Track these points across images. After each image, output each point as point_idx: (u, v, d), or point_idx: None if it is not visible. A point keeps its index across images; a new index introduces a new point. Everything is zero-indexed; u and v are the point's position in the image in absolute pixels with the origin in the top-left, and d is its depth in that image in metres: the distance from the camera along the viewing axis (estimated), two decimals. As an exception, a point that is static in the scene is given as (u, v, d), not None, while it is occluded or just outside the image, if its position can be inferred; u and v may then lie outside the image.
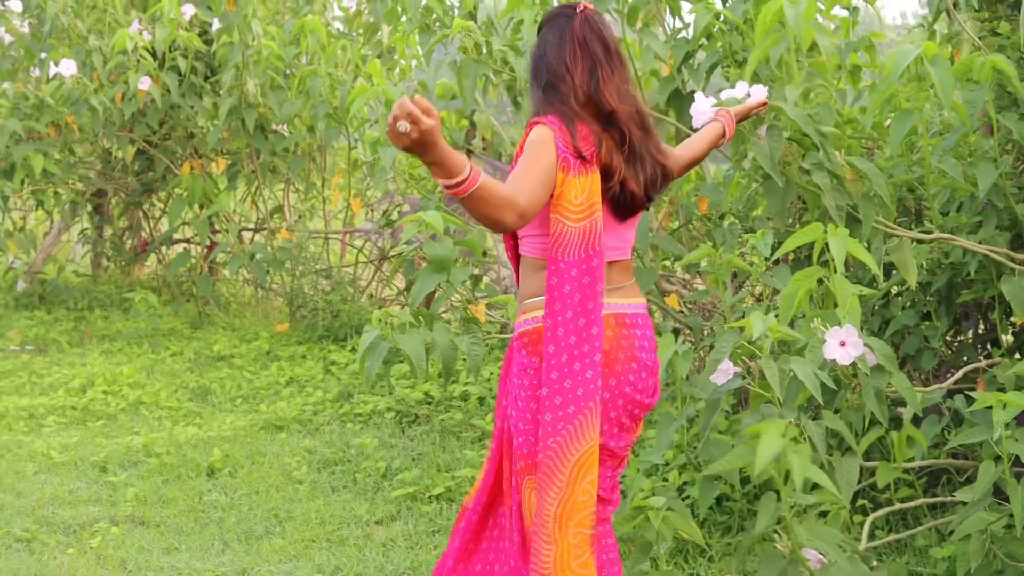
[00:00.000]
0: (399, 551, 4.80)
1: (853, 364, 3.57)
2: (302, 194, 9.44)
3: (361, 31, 8.64)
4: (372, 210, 8.81)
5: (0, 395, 7.07)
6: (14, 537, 4.92)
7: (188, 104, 8.52)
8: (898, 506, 4.15)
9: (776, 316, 3.52)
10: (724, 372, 3.52)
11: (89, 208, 10.40)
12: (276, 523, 5.12)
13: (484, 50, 5.23)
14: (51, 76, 8.08)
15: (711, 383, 3.56)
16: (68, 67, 7.97)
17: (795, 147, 4.01)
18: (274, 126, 8.77)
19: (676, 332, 5.42)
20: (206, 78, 8.74)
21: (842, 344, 3.50)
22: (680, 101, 5.16)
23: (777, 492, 3.22)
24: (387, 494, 5.43)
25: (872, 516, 3.94)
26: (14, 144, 8.27)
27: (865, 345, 3.56)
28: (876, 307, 4.96)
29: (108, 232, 10.25)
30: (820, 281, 3.68)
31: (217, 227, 9.15)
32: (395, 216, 7.79)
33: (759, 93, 3.85)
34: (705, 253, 4.85)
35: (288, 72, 8.35)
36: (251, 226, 9.63)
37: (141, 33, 8.28)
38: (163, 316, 9.14)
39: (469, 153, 7.27)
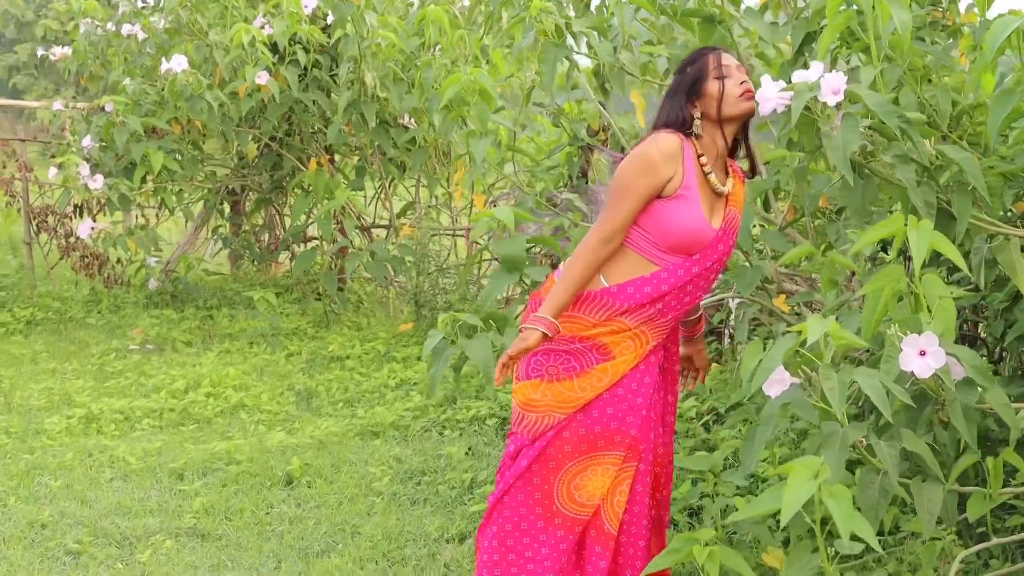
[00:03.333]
0: (462, 574, 4.43)
1: (937, 377, 3.06)
2: (429, 190, 9.14)
3: (481, 19, 8.30)
4: (495, 205, 8.44)
5: (102, 396, 6.93)
6: (65, 549, 4.70)
7: (310, 99, 8.29)
8: (995, 541, 3.59)
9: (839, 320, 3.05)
10: (779, 382, 3.04)
11: (226, 206, 10.33)
12: (340, 539, 4.80)
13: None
14: (162, 72, 7.93)
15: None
16: (180, 63, 7.82)
17: (877, 137, 3.50)
18: (402, 120, 8.51)
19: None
20: (331, 72, 8.50)
21: (922, 354, 3.00)
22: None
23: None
24: (466, 509, 5.06)
25: (962, 554, 3.39)
26: (134, 141, 8.16)
27: (951, 355, 3.06)
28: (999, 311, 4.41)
29: (244, 230, 10.14)
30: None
31: (344, 225, 8.90)
32: (515, 212, 7.41)
33: (834, 79, 3.33)
34: (804, 252, 4.38)
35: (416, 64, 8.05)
36: (382, 223, 9.37)
37: (263, 27, 8.09)
38: (290, 315, 8.95)
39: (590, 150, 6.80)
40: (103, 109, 8.29)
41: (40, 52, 10.86)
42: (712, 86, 3.52)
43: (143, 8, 9.59)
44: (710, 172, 3.53)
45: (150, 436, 6.23)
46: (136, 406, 6.65)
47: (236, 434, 6.24)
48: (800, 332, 2.95)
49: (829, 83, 3.32)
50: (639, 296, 3.49)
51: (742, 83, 3.53)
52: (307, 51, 8.14)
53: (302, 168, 8.84)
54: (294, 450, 5.84)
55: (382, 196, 9.28)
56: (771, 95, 3.38)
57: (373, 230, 9.37)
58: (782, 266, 5.12)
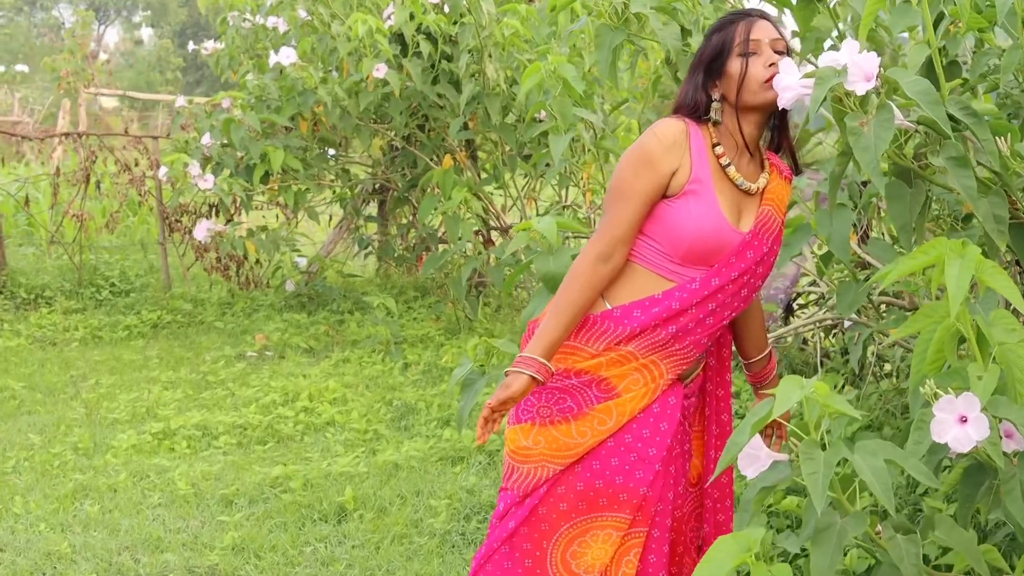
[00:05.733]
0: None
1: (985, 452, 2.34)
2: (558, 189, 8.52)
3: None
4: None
5: (190, 409, 6.55)
6: (67, 588, 4.29)
7: (435, 93, 7.77)
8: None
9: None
10: (755, 459, 2.36)
11: (373, 206, 9.94)
12: (366, 588, 4.26)
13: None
14: (271, 66, 7.54)
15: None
16: (288, 56, 7.40)
17: (929, 136, 2.76)
18: (537, 115, 7.92)
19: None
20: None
21: (962, 420, 2.29)
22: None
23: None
24: (521, 555, 4.45)
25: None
26: (252, 139, 7.79)
27: (1005, 420, 2.34)
28: None
29: (390, 231, 9.72)
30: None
31: (478, 227, 8.36)
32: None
33: (866, 61, 2.59)
34: (907, 268, 3.65)
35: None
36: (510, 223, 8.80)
37: (388, 17, 7.63)
38: (423, 320, 8.48)
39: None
40: (222, 106, 7.97)
41: (191, 47, 10.69)
42: (733, 65, 2.83)
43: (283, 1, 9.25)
44: (728, 164, 2.85)
45: (219, 456, 5.79)
46: (219, 421, 6.24)
47: (313, 455, 5.76)
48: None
49: (860, 66, 2.59)
50: (646, 318, 2.82)
51: (771, 65, 2.82)
52: (434, 42, 7.63)
53: (435, 166, 8.34)
54: (359, 477, 5.32)
55: (524, 198, 8.72)
56: (792, 83, 2.69)
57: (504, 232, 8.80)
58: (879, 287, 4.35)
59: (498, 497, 3.07)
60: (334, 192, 9.34)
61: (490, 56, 7.33)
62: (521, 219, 8.73)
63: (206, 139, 7.96)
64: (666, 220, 2.81)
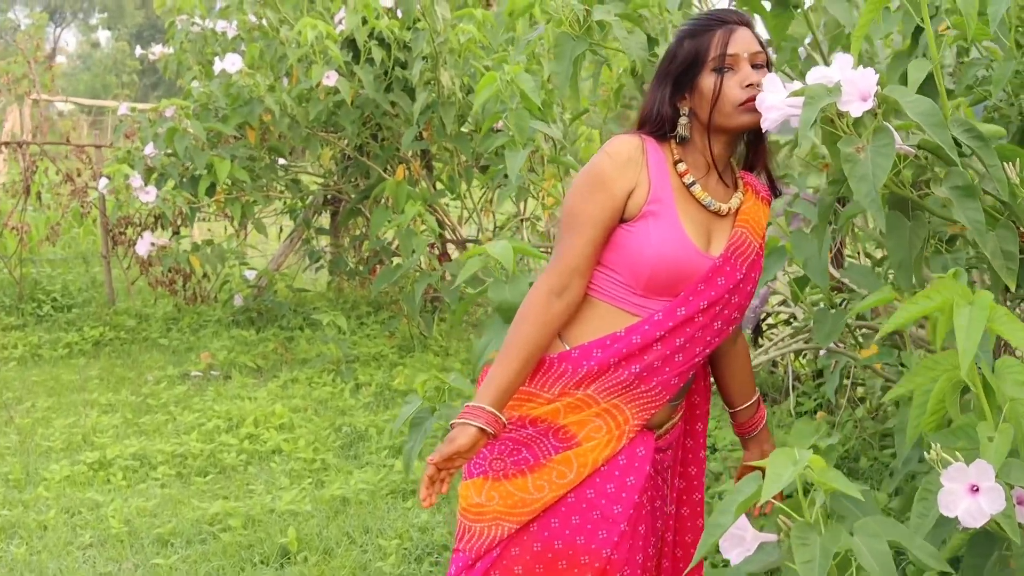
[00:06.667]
0: None
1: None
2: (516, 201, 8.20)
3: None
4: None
5: (129, 436, 6.20)
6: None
7: (388, 101, 7.43)
8: None
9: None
10: (740, 542, 2.06)
11: (326, 218, 9.62)
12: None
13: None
14: (216, 74, 7.20)
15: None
16: (233, 63, 7.07)
17: (929, 160, 2.48)
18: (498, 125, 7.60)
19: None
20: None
21: (973, 490, 2.01)
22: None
23: None
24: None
25: None
26: (197, 150, 7.44)
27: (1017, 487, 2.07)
28: None
29: (343, 244, 9.39)
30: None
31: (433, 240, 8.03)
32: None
33: (862, 78, 2.29)
34: (887, 298, 3.37)
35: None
36: (472, 238, 8.48)
37: (339, 22, 7.30)
38: (376, 338, 8.16)
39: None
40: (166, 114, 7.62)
41: (139, 52, 10.34)
42: (706, 80, 2.51)
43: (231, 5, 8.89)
44: (693, 183, 2.54)
45: (156, 489, 5.45)
46: (158, 450, 5.89)
47: (256, 487, 5.42)
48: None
49: (855, 84, 2.31)
50: (606, 355, 2.51)
51: (747, 85, 2.51)
52: (387, 48, 7.29)
53: (389, 177, 8.01)
54: (303, 515, 4.99)
55: (480, 210, 8.41)
56: (777, 102, 2.39)
57: (470, 247, 8.48)
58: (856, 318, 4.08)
59: (451, 558, 2.75)
60: (284, 203, 9.00)
61: (445, 63, 7.01)
62: (478, 232, 8.42)
63: (149, 149, 7.60)
64: (625, 247, 2.51)
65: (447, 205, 8.49)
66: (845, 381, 5.19)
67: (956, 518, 2.00)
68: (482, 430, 2.46)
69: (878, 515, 2.04)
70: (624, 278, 2.52)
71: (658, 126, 2.57)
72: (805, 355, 5.97)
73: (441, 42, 6.88)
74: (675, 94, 2.56)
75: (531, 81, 4.82)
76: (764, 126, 2.41)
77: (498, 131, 7.09)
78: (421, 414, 3.64)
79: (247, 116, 7.40)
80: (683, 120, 2.55)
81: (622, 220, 2.51)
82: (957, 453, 2.02)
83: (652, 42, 3.88)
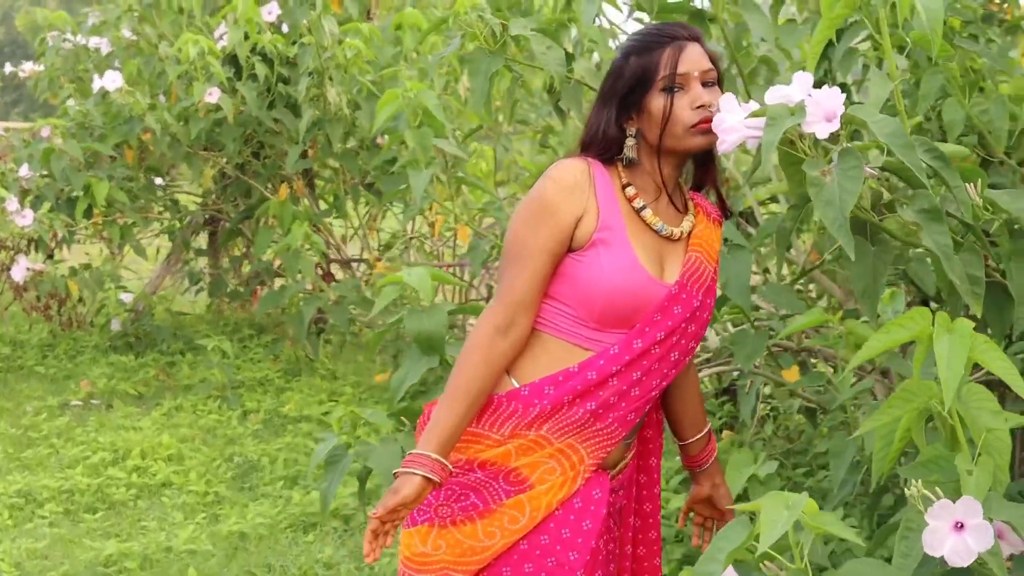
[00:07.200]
0: None
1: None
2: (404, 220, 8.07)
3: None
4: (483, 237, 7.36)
5: (11, 472, 5.92)
6: None
7: (272, 118, 7.25)
8: None
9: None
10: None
11: (204, 239, 9.38)
12: None
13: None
14: (94, 92, 6.96)
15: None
16: (113, 80, 6.84)
17: (896, 182, 2.43)
18: (382, 140, 7.46)
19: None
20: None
21: (958, 527, 1.95)
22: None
23: None
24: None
25: None
26: (74, 170, 7.18)
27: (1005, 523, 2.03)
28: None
29: (222, 264, 9.15)
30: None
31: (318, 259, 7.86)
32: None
33: (827, 98, 2.22)
34: (813, 321, 3.36)
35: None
36: (357, 257, 8.33)
37: (220, 38, 7.11)
38: (261, 362, 7.95)
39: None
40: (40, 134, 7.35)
41: (8, 68, 9.97)
42: (656, 101, 2.41)
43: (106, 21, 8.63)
44: (643, 207, 2.45)
45: (45, 528, 5.20)
46: (43, 485, 5.63)
47: (149, 523, 5.21)
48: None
49: (820, 104, 2.23)
50: (559, 393, 2.40)
51: (699, 107, 2.41)
52: (270, 64, 7.11)
53: (271, 196, 7.82)
54: (202, 554, 4.80)
55: (365, 228, 8.27)
56: (735, 123, 2.31)
57: (350, 264, 8.33)
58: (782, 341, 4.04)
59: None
60: (161, 224, 8.74)
61: (331, 79, 6.86)
62: (362, 251, 8.26)
63: (24, 170, 7.31)
64: (574, 278, 2.40)
65: (331, 223, 8.32)
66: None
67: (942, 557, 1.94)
68: (427, 479, 2.33)
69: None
70: (575, 311, 2.41)
71: (604, 148, 2.47)
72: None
73: (328, 57, 6.73)
74: (621, 115, 2.46)
75: (434, 98, 4.70)
76: (721, 149, 2.33)
77: (379, 147, 6.99)
78: (336, 451, 3.50)
79: (126, 135, 7.17)
80: (630, 142, 2.45)
81: (570, 249, 2.41)
82: (937, 489, 1.96)
83: (569, 58, 3.79)
